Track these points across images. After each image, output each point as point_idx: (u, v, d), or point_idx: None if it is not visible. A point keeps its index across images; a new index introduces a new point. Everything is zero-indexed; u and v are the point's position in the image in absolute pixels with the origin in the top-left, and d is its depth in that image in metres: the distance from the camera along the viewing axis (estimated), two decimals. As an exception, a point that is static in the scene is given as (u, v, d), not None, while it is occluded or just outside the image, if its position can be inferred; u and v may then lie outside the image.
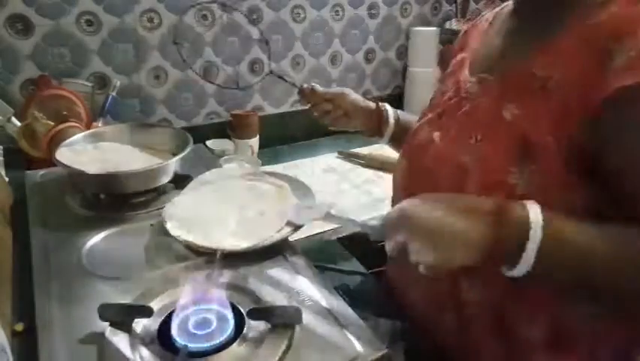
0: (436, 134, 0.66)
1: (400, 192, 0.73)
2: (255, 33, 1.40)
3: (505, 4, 0.69)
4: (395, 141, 0.90)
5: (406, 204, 0.53)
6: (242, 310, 0.56)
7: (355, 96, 0.90)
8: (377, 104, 0.90)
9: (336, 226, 0.98)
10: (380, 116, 0.89)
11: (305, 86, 0.90)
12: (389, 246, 0.54)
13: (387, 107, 0.91)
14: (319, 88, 0.90)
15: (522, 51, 0.58)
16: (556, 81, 0.52)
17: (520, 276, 0.49)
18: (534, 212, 0.48)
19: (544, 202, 0.49)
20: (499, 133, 0.56)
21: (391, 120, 0.89)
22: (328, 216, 0.68)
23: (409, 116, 0.90)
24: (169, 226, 0.71)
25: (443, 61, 0.81)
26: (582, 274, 0.49)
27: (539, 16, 0.59)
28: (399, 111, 0.91)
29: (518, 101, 0.55)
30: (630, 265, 0.46)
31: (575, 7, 0.53)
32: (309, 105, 0.92)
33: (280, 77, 0.95)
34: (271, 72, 0.96)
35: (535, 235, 0.46)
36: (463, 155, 0.59)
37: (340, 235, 0.98)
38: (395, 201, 0.75)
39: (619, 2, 0.50)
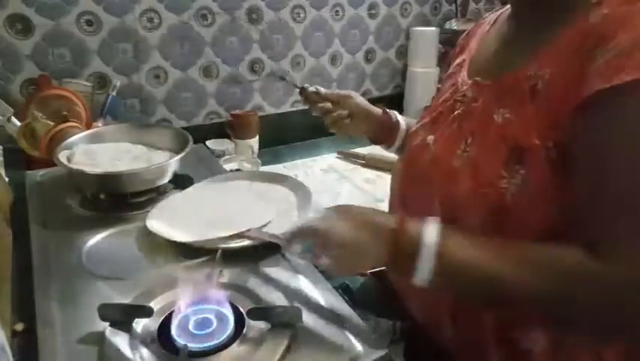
0: (430, 138, 0.65)
1: (397, 196, 0.73)
2: (255, 33, 1.40)
3: (507, 7, 0.69)
4: (402, 150, 0.87)
5: (316, 219, 0.56)
6: (242, 310, 0.56)
7: (362, 99, 0.87)
8: (385, 111, 0.88)
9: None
10: (389, 124, 0.87)
11: (306, 86, 0.88)
12: (294, 250, 0.59)
13: (398, 115, 0.88)
14: (323, 90, 0.87)
15: (517, 55, 0.57)
16: (544, 83, 0.52)
17: (428, 286, 0.51)
18: (430, 231, 0.50)
19: (535, 206, 0.51)
20: (489, 137, 0.56)
21: (403, 128, 0.86)
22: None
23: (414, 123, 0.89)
24: (149, 223, 0.71)
25: (445, 63, 0.80)
26: (492, 293, 0.51)
27: (535, 19, 0.58)
28: (407, 119, 0.88)
29: (510, 106, 0.55)
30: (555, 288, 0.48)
31: (570, 11, 0.53)
32: (314, 108, 0.87)
33: (282, 79, 0.94)
34: (272, 73, 0.95)
35: (427, 252, 0.50)
36: (454, 159, 0.59)
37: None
38: (392, 204, 0.75)
39: (610, 3, 0.50)
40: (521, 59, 0.56)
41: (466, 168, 0.57)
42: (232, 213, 0.74)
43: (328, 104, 0.85)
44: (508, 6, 0.67)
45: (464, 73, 0.67)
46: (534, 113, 0.52)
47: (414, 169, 0.67)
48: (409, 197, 0.69)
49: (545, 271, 0.48)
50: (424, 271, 0.50)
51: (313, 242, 0.56)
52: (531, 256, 0.50)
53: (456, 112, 0.63)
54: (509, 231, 0.52)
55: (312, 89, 0.87)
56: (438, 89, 0.76)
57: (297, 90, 0.89)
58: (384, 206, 0.85)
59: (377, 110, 0.87)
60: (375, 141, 0.90)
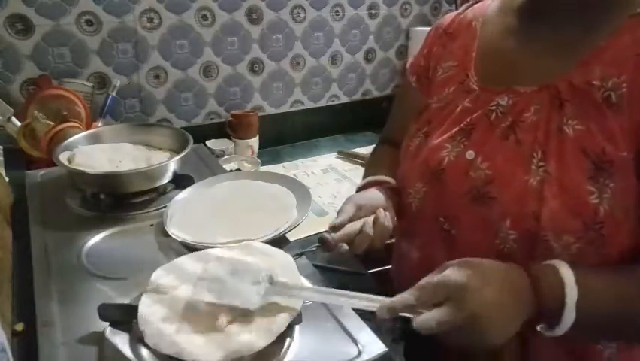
0: (471, 154, 0.60)
1: (432, 220, 0.65)
2: (255, 33, 1.40)
3: (488, 2, 0.67)
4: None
5: (464, 276, 0.48)
6: (242, 310, 0.56)
7: (383, 215, 0.63)
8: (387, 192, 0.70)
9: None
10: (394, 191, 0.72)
11: (325, 235, 0.61)
12: (427, 322, 0.48)
13: (388, 180, 0.73)
14: (338, 235, 0.61)
15: (562, 60, 0.55)
16: (622, 93, 0.50)
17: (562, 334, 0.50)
18: (565, 270, 0.49)
19: (628, 219, 0.50)
20: (565, 151, 0.53)
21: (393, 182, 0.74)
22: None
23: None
24: (168, 227, 0.71)
25: (425, 63, 0.73)
26: (622, 319, 0.51)
27: (566, 19, 0.56)
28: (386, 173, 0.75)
29: (579, 116, 0.53)
30: None
31: (614, 15, 0.52)
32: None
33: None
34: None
35: (572, 291, 0.48)
36: (529, 176, 0.54)
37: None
38: (422, 227, 0.67)
39: None
40: (569, 65, 0.54)
41: (547, 185, 0.53)
42: (244, 214, 0.75)
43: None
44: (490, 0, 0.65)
45: (475, 78, 0.63)
46: (616, 126, 0.51)
47: (458, 190, 0.61)
48: (456, 220, 0.62)
49: None
50: (565, 325, 0.49)
51: (446, 300, 0.47)
52: None
53: (502, 125, 0.58)
54: (604, 246, 0.52)
55: (330, 236, 0.61)
56: (420, 95, 0.72)
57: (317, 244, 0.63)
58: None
59: (389, 203, 0.68)
60: None
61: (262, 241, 0.67)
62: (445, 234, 0.63)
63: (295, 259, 0.60)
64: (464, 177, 0.60)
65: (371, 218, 0.62)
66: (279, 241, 0.70)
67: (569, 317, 0.48)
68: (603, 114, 0.51)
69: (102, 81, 1.24)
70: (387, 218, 0.63)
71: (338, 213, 0.63)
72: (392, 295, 0.50)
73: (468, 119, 0.62)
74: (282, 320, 0.50)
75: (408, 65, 0.79)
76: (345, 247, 0.61)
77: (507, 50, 0.62)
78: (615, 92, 0.51)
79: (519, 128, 0.57)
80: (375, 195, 0.67)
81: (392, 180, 0.73)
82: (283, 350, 0.51)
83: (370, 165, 0.82)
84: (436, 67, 0.71)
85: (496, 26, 0.64)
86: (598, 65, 0.52)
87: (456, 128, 0.63)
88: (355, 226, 0.62)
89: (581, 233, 0.52)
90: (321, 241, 0.61)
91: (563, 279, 0.49)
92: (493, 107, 0.60)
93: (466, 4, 0.72)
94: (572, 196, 0.52)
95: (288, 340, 0.52)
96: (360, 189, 0.74)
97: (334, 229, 0.61)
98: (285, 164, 1.41)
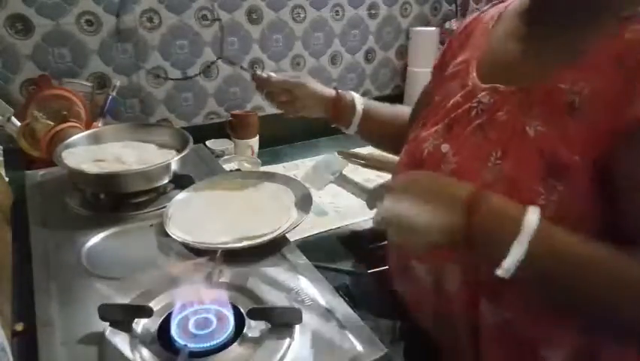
0: (446, 147, 0.62)
1: None
2: (255, 33, 1.40)
3: (509, 1, 0.67)
4: (364, 131, 0.89)
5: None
6: (242, 310, 0.56)
7: (314, 86, 0.87)
8: (337, 93, 0.88)
9: (335, 226, 0.99)
10: (343, 106, 0.87)
11: (258, 72, 0.86)
12: (378, 210, 0.55)
13: (355, 95, 0.88)
14: (274, 76, 0.86)
15: (545, 63, 0.55)
16: (585, 99, 0.50)
17: (507, 277, 0.48)
18: (532, 212, 0.47)
19: (574, 224, 0.49)
20: (522, 151, 0.54)
21: (359, 109, 0.87)
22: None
23: (382, 108, 0.88)
24: (168, 227, 0.71)
25: (441, 58, 0.77)
26: (576, 287, 0.48)
27: (562, 25, 0.56)
28: (369, 102, 0.89)
29: (543, 118, 0.53)
30: (630, 290, 0.46)
31: (601, 23, 0.52)
32: (263, 93, 0.88)
33: (231, 63, 0.94)
34: (219, 58, 0.95)
35: (525, 232, 0.46)
36: (485, 172, 0.56)
37: (340, 235, 0.98)
38: None
39: None
40: (550, 68, 0.54)
41: (499, 183, 0.54)
42: (241, 214, 0.75)
43: (283, 97, 0.87)
44: (511, 0, 0.65)
45: (474, 75, 0.63)
46: (574, 129, 0.50)
47: None
48: None
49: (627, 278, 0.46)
50: (514, 258, 0.46)
51: (385, 195, 0.53)
52: (616, 262, 0.47)
53: (476, 121, 0.60)
54: None
55: (263, 74, 0.86)
56: (435, 88, 0.73)
57: (250, 76, 0.89)
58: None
59: (329, 93, 0.88)
60: (330, 122, 0.91)
61: (262, 241, 0.67)
62: None
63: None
64: (436, 169, 0.62)
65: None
66: (279, 241, 0.70)
67: (519, 249, 0.46)
68: (564, 118, 0.51)
69: (102, 81, 1.24)
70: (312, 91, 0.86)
71: None
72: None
73: (453, 115, 0.64)
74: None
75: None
76: (273, 75, 0.85)
77: (504, 51, 0.62)
78: (579, 96, 0.51)
79: (489, 127, 0.58)
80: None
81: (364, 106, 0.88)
82: (283, 349, 0.51)
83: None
84: (449, 63, 0.72)
85: (505, 28, 0.65)
86: (572, 69, 0.52)
87: (442, 122, 0.65)
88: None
89: None
90: (254, 78, 0.86)
91: (526, 211, 0.48)
92: (475, 104, 0.61)
93: (491, 3, 0.73)
94: (520, 195, 0.52)
95: (288, 340, 0.52)
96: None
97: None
98: (284, 164, 1.41)
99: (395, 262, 0.71)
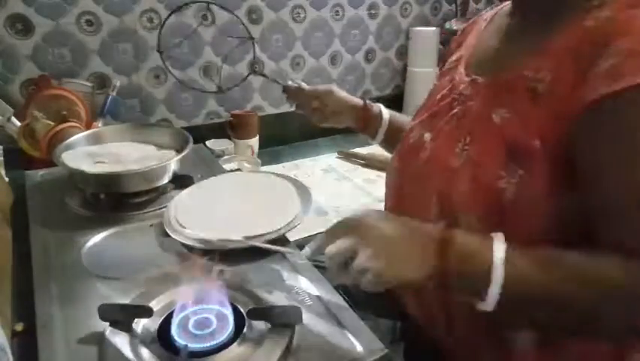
0: (427, 136, 0.65)
1: (392, 193, 0.72)
2: (255, 33, 1.40)
3: (506, 3, 0.69)
4: (388, 143, 0.89)
5: (360, 214, 0.53)
6: (242, 310, 0.56)
7: (343, 94, 0.90)
8: (365, 103, 0.89)
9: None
10: (370, 116, 0.89)
11: (290, 83, 0.89)
12: (331, 250, 0.51)
13: (381, 107, 0.90)
14: (306, 86, 0.89)
15: (516, 54, 0.57)
16: (546, 85, 0.52)
17: (490, 310, 0.49)
18: (497, 247, 0.48)
19: (533, 207, 0.50)
20: (488, 137, 0.56)
21: (385, 119, 0.88)
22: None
23: (404, 118, 0.89)
24: (168, 227, 0.71)
25: (440, 60, 0.80)
26: (553, 307, 0.49)
27: (534, 18, 0.58)
28: (392, 112, 0.90)
29: (509, 105, 0.55)
30: (606, 300, 0.46)
31: (571, 10, 0.53)
32: (295, 104, 0.92)
33: (263, 75, 0.95)
34: (254, 71, 0.96)
35: (497, 272, 0.47)
36: (453, 157, 0.59)
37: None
38: (387, 203, 0.75)
39: (613, 6, 0.50)
40: (519, 59, 0.56)
41: (465, 167, 0.57)
42: (241, 214, 0.75)
43: (314, 104, 0.89)
44: (508, 2, 0.67)
45: (461, 70, 0.66)
46: (535, 115, 0.52)
47: (409, 166, 0.67)
48: (404, 194, 0.68)
49: (600, 287, 0.47)
50: (493, 295, 0.47)
51: (351, 240, 0.50)
52: (585, 271, 0.47)
53: (453, 110, 0.63)
54: (507, 231, 0.51)
55: (294, 84, 0.89)
56: (434, 86, 0.76)
57: (281, 89, 0.92)
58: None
59: (358, 102, 0.89)
60: (357, 131, 0.92)
61: (263, 241, 0.67)
62: (399, 212, 0.63)
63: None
64: (416, 157, 0.65)
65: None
66: (279, 241, 0.70)
67: (497, 279, 0.47)
68: (527, 104, 0.53)
69: (102, 81, 1.24)
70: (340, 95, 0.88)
71: None
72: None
73: (436, 107, 0.67)
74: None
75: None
76: (304, 85, 0.88)
77: (488, 47, 0.65)
78: (542, 83, 0.52)
79: (463, 115, 0.61)
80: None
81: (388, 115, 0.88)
82: (283, 350, 0.51)
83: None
84: (447, 60, 0.75)
85: (494, 26, 0.68)
86: (536, 57, 0.54)
87: (427, 114, 0.69)
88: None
89: (485, 216, 0.54)
90: (285, 89, 0.89)
91: (489, 241, 0.48)
92: (457, 96, 0.64)
93: (490, 7, 0.75)
94: (483, 179, 0.54)
95: (288, 340, 0.52)
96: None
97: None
98: (284, 164, 1.41)
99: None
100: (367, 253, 0.48)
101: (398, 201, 0.70)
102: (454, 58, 0.72)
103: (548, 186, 0.51)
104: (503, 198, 0.52)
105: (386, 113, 0.89)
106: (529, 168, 0.51)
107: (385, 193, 0.75)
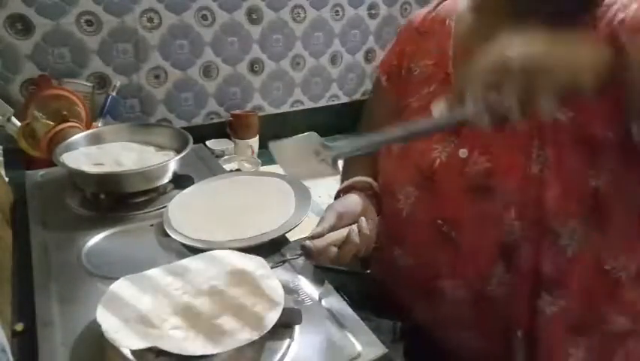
0: (463, 151, 0.61)
1: (434, 225, 0.64)
2: (255, 33, 1.40)
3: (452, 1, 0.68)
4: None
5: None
6: (242, 311, 0.56)
7: (366, 225, 0.64)
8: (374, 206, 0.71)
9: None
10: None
11: (307, 243, 0.61)
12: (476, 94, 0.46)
13: (373, 183, 0.75)
14: (320, 243, 0.61)
15: None
16: None
17: None
18: None
19: (628, 201, 0.51)
20: (560, 136, 0.54)
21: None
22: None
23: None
24: (168, 227, 0.71)
25: (395, 64, 0.74)
26: None
27: (558, 18, 0.55)
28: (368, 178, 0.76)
29: (569, 103, 0.53)
30: None
31: (593, 9, 0.53)
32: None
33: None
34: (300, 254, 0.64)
35: None
36: (531, 165, 0.55)
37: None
38: (412, 235, 0.67)
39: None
40: None
41: (547, 172, 0.54)
42: (241, 214, 0.75)
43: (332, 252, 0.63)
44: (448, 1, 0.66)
45: (455, 77, 0.63)
46: (599, 108, 0.52)
47: (454, 189, 0.61)
48: (456, 222, 0.62)
49: None
50: None
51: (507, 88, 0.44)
52: None
53: None
54: (606, 228, 0.52)
55: (309, 243, 0.61)
56: (395, 93, 0.71)
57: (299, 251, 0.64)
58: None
59: (375, 214, 0.70)
60: None
61: (262, 241, 0.67)
62: (443, 237, 0.63)
63: (278, 266, 0.62)
64: (459, 176, 0.60)
65: (356, 226, 0.63)
66: (279, 241, 0.70)
67: None
68: (585, 99, 0.51)
69: (102, 81, 1.24)
70: (369, 227, 0.63)
71: (319, 222, 0.63)
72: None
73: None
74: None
75: (378, 64, 0.79)
76: (335, 249, 0.61)
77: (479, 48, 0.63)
78: None
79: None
80: (355, 202, 0.68)
81: (372, 181, 0.74)
82: (283, 350, 0.51)
83: (349, 165, 0.82)
84: (410, 66, 0.71)
85: (468, 24, 0.66)
86: None
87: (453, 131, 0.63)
88: (341, 234, 0.62)
89: (584, 216, 0.52)
90: (304, 250, 0.61)
91: None
92: None
93: (437, 2, 0.72)
94: (572, 180, 0.53)
95: (287, 340, 0.52)
96: (339, 192, 0.75)
97: (314, 237, 0.61)
98: (285, 164, 1.40)
99: (417, 284, 0.70)
100: (534, 50, 0.44)
101: (446, 231, 0.62)
102: (424, 62, 0.68)
103: (633, 176, 0.51)
104: (598, 196, 0.51)
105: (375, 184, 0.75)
106: (612, 160, 0.51)
107: (414, 226, 0.67)
